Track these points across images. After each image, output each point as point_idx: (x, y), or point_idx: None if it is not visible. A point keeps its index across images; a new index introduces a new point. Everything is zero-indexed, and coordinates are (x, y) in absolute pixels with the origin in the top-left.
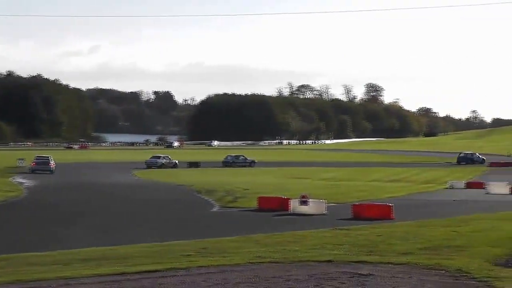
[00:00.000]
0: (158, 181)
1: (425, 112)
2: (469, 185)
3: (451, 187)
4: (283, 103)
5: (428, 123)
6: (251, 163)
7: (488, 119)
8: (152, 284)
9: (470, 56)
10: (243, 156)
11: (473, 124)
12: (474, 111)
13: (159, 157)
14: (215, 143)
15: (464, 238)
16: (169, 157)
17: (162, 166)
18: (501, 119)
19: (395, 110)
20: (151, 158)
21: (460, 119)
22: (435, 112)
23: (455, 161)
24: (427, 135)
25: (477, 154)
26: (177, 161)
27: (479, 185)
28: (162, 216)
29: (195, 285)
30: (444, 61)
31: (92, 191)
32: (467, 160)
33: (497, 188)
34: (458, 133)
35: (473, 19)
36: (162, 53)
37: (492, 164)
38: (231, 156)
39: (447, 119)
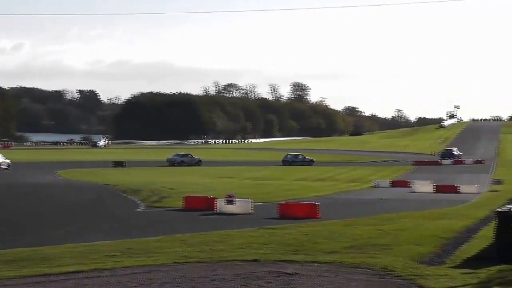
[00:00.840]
0: (83, 181)
1: (351, 111)
2: (394, 184)
3: (377, 186)
4: (209, 102)
5: (354, 122)
6: (310, 162)
7: (412, 118)
8: (76, 285)
9: (393, 55)
10: (302, 155)
11: (398, 123)
12: (399, 110)
13: (178, 155)
14: (101, 142)
15: (389, 237)
16: (191, 154)
17: (182, 163)
18: (425, 118)
19: (321, 109)
20: (173, 155)
21: (385, 118)
22: (360, 111)
23: (386, 160)
24: (353, 134)
25: (455, 150)
26: (201, 158)
27: (403, 184)
28: (86, 216)
29: (120, 285)
30: (368, 60)
31: (14, 191)
32: (450, 156)
33: (422, 186)
34: (384, 132)
35: (395, 17)
36: (88, 51)
37: (416, 163)
38: (291, 155)
39: (373, 118)
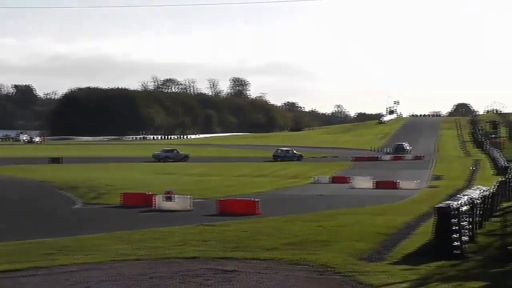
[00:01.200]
0: (18, 178)
1: (290, 107)
2: (334, 180)
3: (317, 182)
4: (147, 98)
5: (294, 118)
6: (299, 157)
7: (352, 113)
8: (12, 284)
9: (333, 51)
10: (292, 150)
11: (338, 118)
12: (338, 106)
13: (164, 150)
14: (37, 138)
15: (329, 233)
16: (177, 150)
17: (167, 158)
18: (365, 113)
19: (260, 105)
20: (159, 151)
21: (325, 114)
22: (300, 107)
23: (326, 155)
24: (292, 129)
25: (407, 144)
26: (187, 154)
27: (343, 180)
28: (22, 213)
29: (57, 284)
30: (309, 56)
31: None
32: (402, 150)
33: (361, 182)
34: (323, 128)
35: (333, 13)
36: (24, 46)
37: (356, 159)
38: (282, 150)
39: (313, 113)
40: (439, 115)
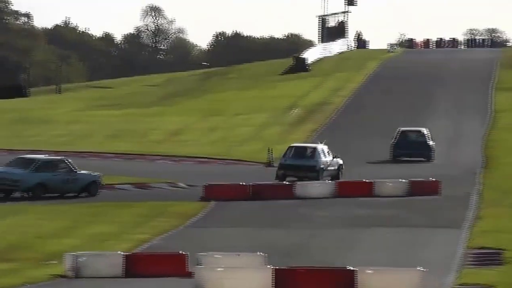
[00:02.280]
0: None
1: None
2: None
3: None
4: None
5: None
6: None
7: (202, 42)
8: None
9: None
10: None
11: (148, 59)
12: (155, 10)
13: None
14: None
15: None
16: (70, 164)
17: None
18: (241, 35)
19: None
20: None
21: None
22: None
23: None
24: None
25: (425, 131)
26: (99, 176)
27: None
28: None
29: None
30: None
31: None
32: (418, 147)
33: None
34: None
35: None
36: None
37: (212, 191)
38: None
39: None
40: (504, 44)
